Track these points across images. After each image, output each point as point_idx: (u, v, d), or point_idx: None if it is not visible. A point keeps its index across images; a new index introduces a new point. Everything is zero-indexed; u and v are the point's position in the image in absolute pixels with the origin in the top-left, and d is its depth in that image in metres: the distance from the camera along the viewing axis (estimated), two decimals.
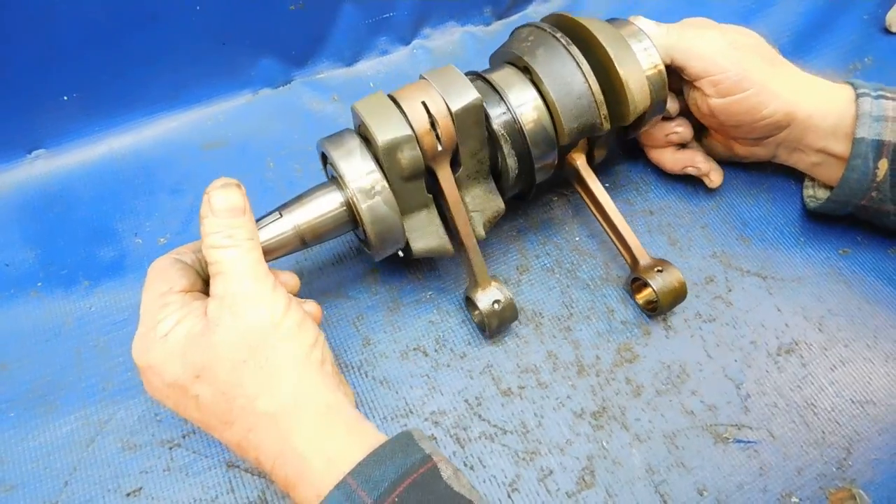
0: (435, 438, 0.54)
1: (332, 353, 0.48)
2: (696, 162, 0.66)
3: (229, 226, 0.45)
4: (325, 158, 0.54)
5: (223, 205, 0.45)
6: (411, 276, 0.62)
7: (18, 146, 0.66)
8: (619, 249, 0.61)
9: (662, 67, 0.58)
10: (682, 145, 0.67)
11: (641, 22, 0.60)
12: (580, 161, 0.61)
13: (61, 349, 0.57)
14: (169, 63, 0.66)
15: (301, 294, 0.52)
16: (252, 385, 0.43)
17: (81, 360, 0.56)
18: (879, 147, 0.56)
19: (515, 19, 0.82)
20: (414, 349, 0.58)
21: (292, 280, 0.51)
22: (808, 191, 0.65)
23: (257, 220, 0.49)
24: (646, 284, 0.59)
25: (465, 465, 0.53)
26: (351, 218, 0.52)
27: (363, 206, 0.50)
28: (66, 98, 0.63)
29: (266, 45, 0.70)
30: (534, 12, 0.82)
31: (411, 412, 0.55)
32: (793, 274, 0.64)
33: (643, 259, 0.59)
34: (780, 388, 0.58)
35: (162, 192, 0.66)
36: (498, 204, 0.57)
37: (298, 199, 0.51)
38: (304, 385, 0.44)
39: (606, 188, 0.65)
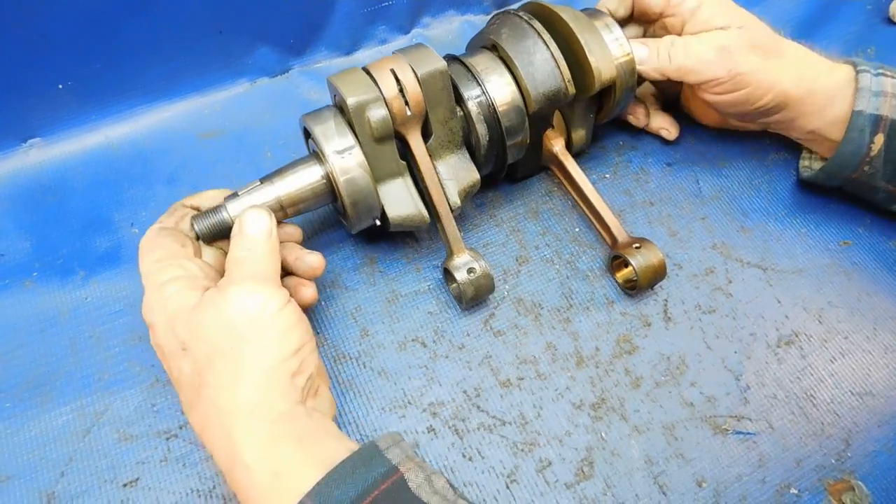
0: (434, 430, 0.53)
1: (318, 365, 0.47)
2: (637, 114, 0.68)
3: (256, 246, 0.46)
4: (307, 133, 0.55)
5: (254, 231, 0.47)
6: (409, 266, 0.61)
7: (13, 135, 0.65)
8: (597, 229, 0.62)
9: (633, 56, 0.59)
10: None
11: (634, 47, 0.60)
12: (558, 146, 0.62)
13: (57, 340, 0.56)
14: (164, 51, 0.66)
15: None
16: (220, 375, 0.43)
17: (77, 350, 0.56)
18: (877, 121, 0.57)
19: (515, 6, 0.81)
20: (412, 340, 0.57)
21: (317, 261, 0.52)
22: (805, 161, 0.66)
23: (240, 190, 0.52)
24: (626, 263, 0.58)
25: (464, 455, 0.52)
26: (330, 190, 0.53)
27: (341, 179, 0.51)
28: (60, 87, 0.63)
29: (263, 33, 0.69)
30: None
31: (409, 403, 0.55)
32: (793, 265, 0.64)
33: (621, 237, 0.59)
34: (779, 379, 0.57)
35: (158, 182, 0.66)
36: (473, 175, 0.58)
37: (280, 171, 0.53)
38: (264, 391, 0.43)
39: (606, 179, 0.65)
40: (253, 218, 0.47)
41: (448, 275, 0.57)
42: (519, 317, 0.59)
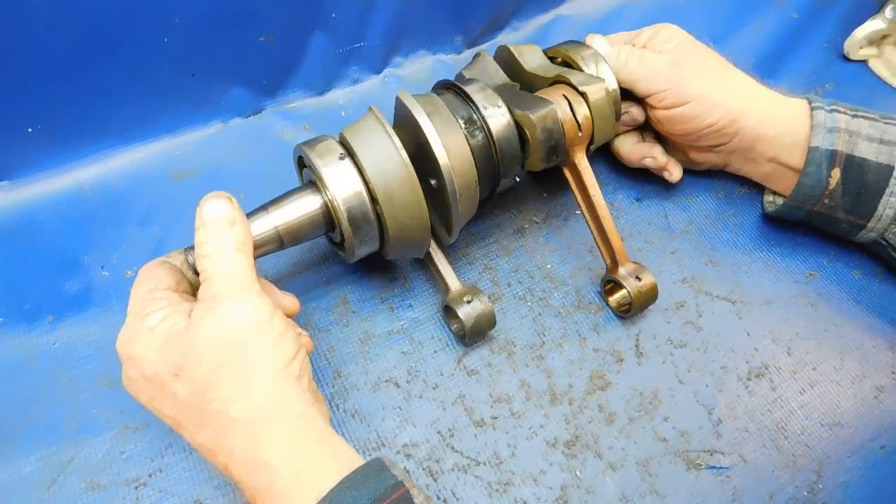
0: (408, 471, 0.53)
1: (311, 368, 0.48)
2: (654, 153, 0.67)
3: (219, 236, 0.46)
4: (301, 164, 0.55)
5: (212, 216, 0.47)
6: (383, 305, 0.61)
7: None
8: (600, 250, 0.62)
9: (614, 88, 0.62)
10: (642, 137, 0.69)
11: (596, 41, 0.63)
12: (579, 154, 0.60)
13: (23, 386, 0.55)
14: (136, 93, 0.66)
15: None
16: (228, 389, 0.43)
17: (44, 397, 0.55)
18: (833, 157, 0.59)
19: (486, 47, 0.83)
20: (386, 381, 0.57)
21: (292, 305, 0.52)
22: (769, 197, 0.68)
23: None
24: (621, 286, 0.60)
25: (438, 497, 0.52)
26: (328, 220, 0.53)
27: (342, 209, 0.51)
28: (30, 130, 0.62)
29: (236, 74, 0.70)
30: (504, 40, 0.84)
31: (383, 444, 0.54)
32: (762, 297, 0.65)
33: (624, 265, 0.60)
34: (751, 412, 0.58)
35: (129, 224, 0.65)
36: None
37: (277, 200, 0.53)
38: (277, 394, 0.43)
39: (577, 214, 0.66)
40: (211, 202, 0.47)
41: (449, 311, 0.58)
42: (492, 355, 0.59)
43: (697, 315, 0.63)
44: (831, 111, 0.60)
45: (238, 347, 0.43)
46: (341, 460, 0.42)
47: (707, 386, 0.59)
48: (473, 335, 0.57)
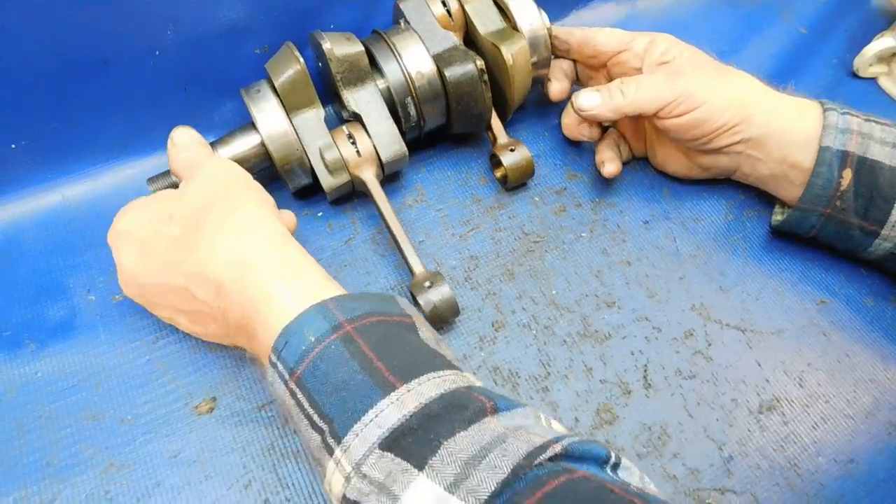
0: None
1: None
2: (592, 136, 0.68)
3: (191, 149, 0.55)
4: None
5: (183, 139, 0.55)
6: None
7: None
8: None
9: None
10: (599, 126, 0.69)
11: (581, 97, 0.62)
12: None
13: (2, 421, 0.52)
14: (126, 108, 0.63)
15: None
16: (217, 216, 0.48)
17: (23, 433, 0.52)
18: (844, 157, 0.57)
19: None
20: None
21: (290, 219, 0.57)
22: (777, 209, 0.66)
23: None
24: (499, 162, 0.66)
25: None
26: (267, 155, 0.60)
27: (272, 150, 0.59)
28: (13, 146, 0.60)
29: (230, 88, 0.67)
30: None
31: None
32: (772, 326, 0.63)
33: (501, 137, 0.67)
34: (762, 448, 0.56)
35: None
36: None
37: (224, 138, 0.60)
38: (264, 217, 0.49)
39: (583, 238, 0.64)
40: (180, 129, 0.56)
41: (413, 297, 0.58)
42: (496, 387, 0.57)
43: (707, 345, 0.61)
44: (844, 113, 0.59)
45: (223, 187, 0.50)
46: (336, 285, 0.47)
47: (717, 420, 0.57)
48: (435, 322, 0.57)
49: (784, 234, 0.66)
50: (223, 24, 0.61)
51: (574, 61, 0.71)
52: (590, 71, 0.70)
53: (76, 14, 0.53)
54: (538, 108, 0.76)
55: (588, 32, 0.66)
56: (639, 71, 0.64)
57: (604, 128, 0.70)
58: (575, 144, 0.73)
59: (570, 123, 0.68)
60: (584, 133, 0.67)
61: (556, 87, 0.69)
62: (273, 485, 0.51)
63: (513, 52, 0.63)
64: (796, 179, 0.61)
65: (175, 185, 0.57)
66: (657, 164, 0.71)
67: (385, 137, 0.61)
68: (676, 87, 0.60)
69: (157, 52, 0.59)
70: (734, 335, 0.62)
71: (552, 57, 0.69)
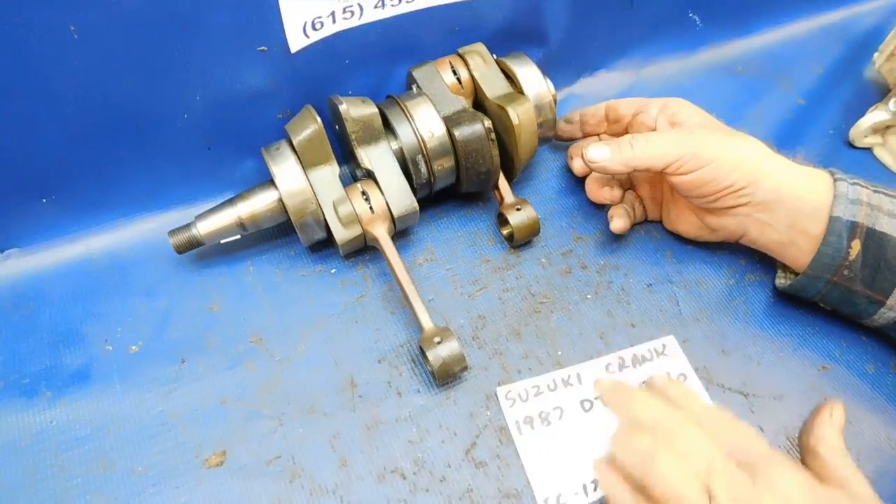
0: None
1: None
2: (614, 198, 0.70)
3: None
4: None
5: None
6: (391, 390, 0.60)
7: None
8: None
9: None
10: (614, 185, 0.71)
11: (591, 150, 0.64)
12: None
13: (14, 468, 0.53)
14: (153, 165, 0.66)
15: (276, 405, 0.50)
16: None
17: (36, 480, 0.53)
18: (853, 228, 0.59)
19: None
20: (392, 471, 0.55)
21: None
22: (781, 273, 0.67)
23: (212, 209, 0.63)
24: (506, 221, 0.69)
25: None
26: (283, 210, 0.63)
27: (289, 204, 0.62)
28: (44, 201, 0.62)
29: (252, 148, 0.70)
30: None
31: None
32: (774, 391, 0.64)
33: (507, 197, 0.70)
34: None
35: (136, 295, 0.65)
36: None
37: (242, 194, 0.64)
38: None
39: (588, 299, 0.65)
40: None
41: (422, 353, 0.59)
42: (501, 447, 0.58)
43: None
44: (853, 184, 0.60)
45: None
46: None
47: None
48: (443, 377, 0.58)
49: (786, 297, 0.68)
50: (250, 91, 0.64)
51: (598, 136, 0.75)
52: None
53: (117, 81, 0.56)
54: (544, 172, 0.78)
55: (611, 101, 0.72)
56: (653, 130, 0.68)
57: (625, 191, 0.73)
58: (580, 207, 0.76)
59: (593, 188, 0.71)
60: (605, 196, 0.70)
61: (579, 164, 0.71)
62: None
63: (518, 113, 0.66)
64: (804, 246, 0.62)
65: (194, 239, 0.61)
66: (669, 224, 0.73)
67: (397, 193, 0.64)
68: (685, 144, 0.61)
69: (186, 115, 0.63)
70: (737, 399, 0.63)
71: (557, 123, 0.72)
